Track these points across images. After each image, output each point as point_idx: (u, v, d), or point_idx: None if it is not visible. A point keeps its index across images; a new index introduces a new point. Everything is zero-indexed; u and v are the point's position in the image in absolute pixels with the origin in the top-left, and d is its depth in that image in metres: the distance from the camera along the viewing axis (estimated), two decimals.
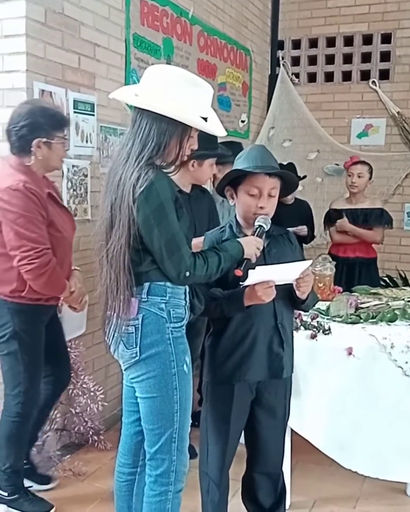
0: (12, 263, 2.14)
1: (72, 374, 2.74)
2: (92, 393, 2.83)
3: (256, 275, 1.76)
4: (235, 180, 1.93)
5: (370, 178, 3.81)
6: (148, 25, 3.42)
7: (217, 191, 2.06)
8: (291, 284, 1.90)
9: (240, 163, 1.92)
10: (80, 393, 2.81)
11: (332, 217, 3.87)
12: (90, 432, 2.91)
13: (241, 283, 1.82)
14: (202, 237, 2.11)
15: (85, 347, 2.89)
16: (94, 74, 2.97)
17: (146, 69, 1.82)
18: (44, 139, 2.16)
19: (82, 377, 2.82)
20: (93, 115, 2.97)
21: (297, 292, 1.90)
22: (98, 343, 3.09)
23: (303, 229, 3.80)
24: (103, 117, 3.05)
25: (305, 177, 4.21)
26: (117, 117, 3.17)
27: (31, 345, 2.27)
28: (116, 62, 3.16)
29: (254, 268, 1.75)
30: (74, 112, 2.82)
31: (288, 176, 1.96)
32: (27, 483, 2.45)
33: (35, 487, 2.51)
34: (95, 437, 2.92)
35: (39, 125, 2.14)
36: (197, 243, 2.18)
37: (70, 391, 2.76)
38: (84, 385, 2.81)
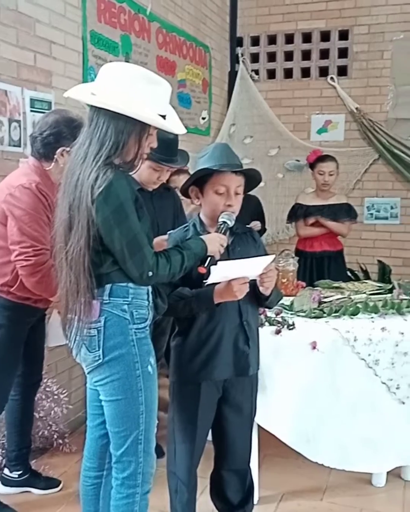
0: (9, 257, 2.20)
1: None
2: (56, 397, 2.79)
3: (218, 272, 1.76)
4: (199, 179, 1.92)
5: (338, 173, 3.86)
6: (105, 22, 3.38)
7: (181, 191, 2.05)
8: (255, 281, 1.91)
9: (204, 161, 1.91)
10: (43, 396, 2.76)
11: (298, 212, 3.90)
12: (55, 436, 2.87)
13: (204, 281, 1.81)
14: (166, 236, 2.10)
15: (48, 350, 2.84)
16: (50, 72, 2.92)
17: (102, 67, 1.79)
18: (68, 148, 2.23)
19: (45, 380, 2.77)
20: None
21: (261, 288, 1.90)
22: (61, 345, 3.04)
23: (257, 225, 3.80)
24: None
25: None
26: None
27: (9, 343, 2.29)
28: (73, 59, 3.11)
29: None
30: (31, 110, 2.76)
31: (252, 174, 1.97)
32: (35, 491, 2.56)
33: (38, 492, 2.55)
34: (60, 441, 2.89)
35: (64, 135, 2.26)
36: (160, 241, 2.17)
37: None
38: (47, 389, 2.77)
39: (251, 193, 3.62)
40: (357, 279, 4.42)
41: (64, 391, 2.84)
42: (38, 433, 2.83)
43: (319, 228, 3.85)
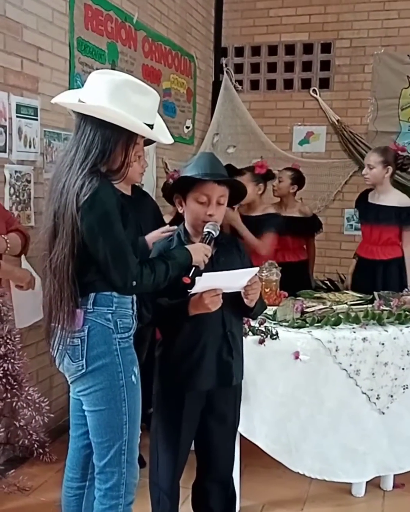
0: None
1: (16, 386, 2.65)
2: (37, 405, 2.75)
3: (203, 282, 1.76)
4: (183, 188, 1.92)
5: (293, 183, 3.85)
6: (92, 30, 3.38)
7: (165, 198, 2.05)
8: (239, 292, 1.92)
9: (189, 170, 1.91)
10: (24, 405, 2.71)
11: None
12: (35, 445, 2.82)
13: (188, 290, 1.81)
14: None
15: (29, 358, 2.81)
16: (37, 78, 2.91)
17: (90, 74, 1.79)
18: None
19: (26, 388, 2.72)
20: (36, 119, 2.90)
21: (245, 300, 1.90)
22: (42, 354, 3.01)
23: None
24: (47, 121, 2.99)
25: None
26: (61, 122, 3.11)
27: None
28: (60, 66, 3.11)
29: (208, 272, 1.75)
30: (17, 116, 2.76)
31: (237, 185, 1.97)
32: None
33: None
34: (41, 450, 2.82)
35: None
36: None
37: (14, 403, 2.67)
38: (29, 397, 2.72)
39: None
40: (336, 289, 4.46)
41: (45, 400, 2.81)
42: (18, 442, 2.78)
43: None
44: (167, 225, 2.40)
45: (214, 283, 1.81)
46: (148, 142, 2.65)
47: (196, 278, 1.75)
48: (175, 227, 2.26)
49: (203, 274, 1.75)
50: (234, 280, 1.85)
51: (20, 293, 2.40)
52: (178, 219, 2.36)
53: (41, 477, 2.73)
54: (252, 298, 1.90)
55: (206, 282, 1.77)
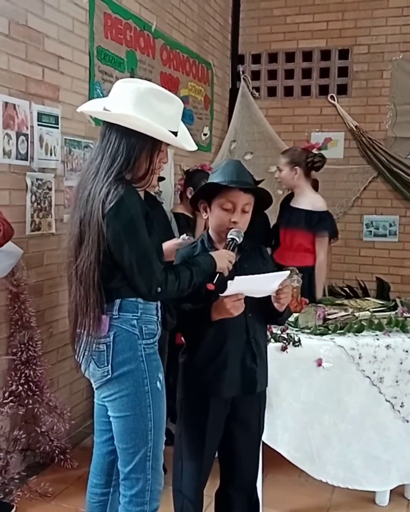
0: None
1: (37, 392, 2.67)
2: (58, 411, 2.76)
3: (235, 286, 1.75)
4: (209, 194, 1.92)
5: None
6: (112, 38, 3.41)
7: (191, 204, 2.06)
8: (262, 298, 1.90)
9: (215, 176, 1.92)
10: (46, 411, 2.73)
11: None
12: (56, 451, 2.83)
13: (220, 294, 1.79)
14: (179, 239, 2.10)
15: (50, 364, 2.83)
16: (58, 86, 2.94)
17: (115, 83, 1.81)
18: None
19: (47, 394, 2.74)
20: (57, 127, 2.93)
21: (276, 304, 1.89)
22: (63, 360, 3.03)
23: None
24: (67, 130, 3.02)
25: (262, 180, 4.09)
26: (82, 130, 3.14)
27: None
28: (80, 74, 3.14)
29: (231, 279, 1.74)
30: (38, 124, 2.78)
31: (262, 193, 1.97)
32: None
33: None
34: (62, 456, 2.84)
35: None
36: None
37: (36, 409, 2.68)
38: (50, 403, 2.74)
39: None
40: (356, 296, 4.43)
41: (66, 406, 2.82)
42: (39, 448, 2.80)
43: None
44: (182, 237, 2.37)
45: (246, 287, 1.80)
46: None
47: (228, 282, 1.74)
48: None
49: (235, 277, 1.74)
50: (265, 283, 1.84)
51: None
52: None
53: (62, 483, 2.73)
54: (284, 302, 1.88)
55: (237, 286, 1.76)
